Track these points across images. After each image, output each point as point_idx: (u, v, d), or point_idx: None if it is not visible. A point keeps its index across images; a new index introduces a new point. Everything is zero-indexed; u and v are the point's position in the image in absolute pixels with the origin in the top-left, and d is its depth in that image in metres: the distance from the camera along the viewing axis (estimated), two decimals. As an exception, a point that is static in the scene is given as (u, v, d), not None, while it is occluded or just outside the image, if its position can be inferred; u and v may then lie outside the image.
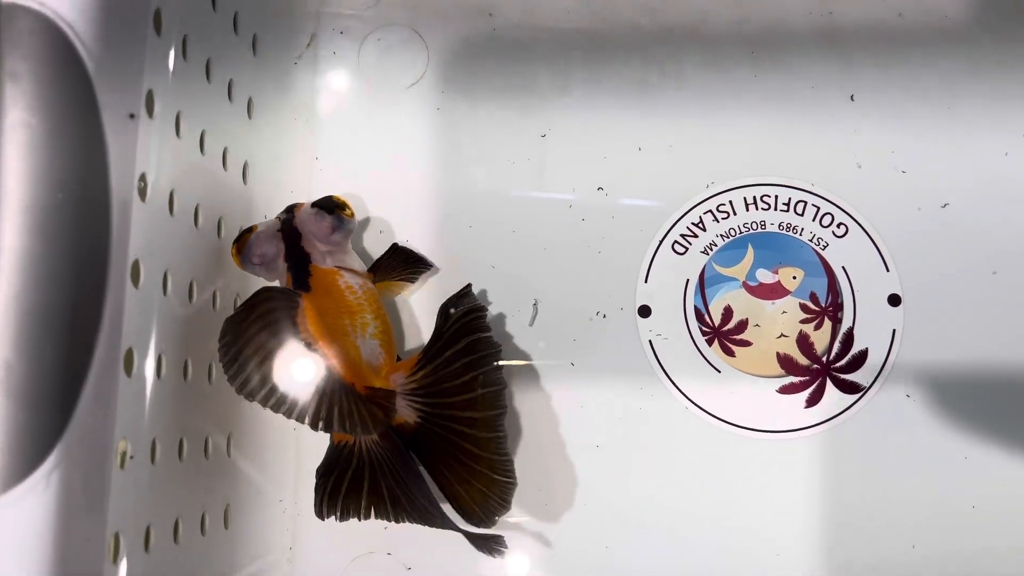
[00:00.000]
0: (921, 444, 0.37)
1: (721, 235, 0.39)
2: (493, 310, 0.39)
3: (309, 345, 0.32)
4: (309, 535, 0.38)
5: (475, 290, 0.38)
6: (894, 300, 0.38)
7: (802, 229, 0.38)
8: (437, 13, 0.41)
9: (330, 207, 0.35)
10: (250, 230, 0.35)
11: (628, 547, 0.37)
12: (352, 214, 0.36)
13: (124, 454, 0.28)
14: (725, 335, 0.38)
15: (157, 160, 0.29)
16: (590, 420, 0.38)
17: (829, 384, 0.37)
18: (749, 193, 0.39)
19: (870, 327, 0.38)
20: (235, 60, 0.36)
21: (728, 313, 0.38)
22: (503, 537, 0.34)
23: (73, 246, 0.25)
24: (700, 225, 0.39)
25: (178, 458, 0.32)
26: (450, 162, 0.40)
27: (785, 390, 0.38)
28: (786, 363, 0.38)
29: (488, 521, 0.34)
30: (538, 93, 0.40)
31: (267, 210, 0.38)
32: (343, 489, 0.33)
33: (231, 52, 0.36)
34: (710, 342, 0.38)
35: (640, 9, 0.40)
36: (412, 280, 0.38)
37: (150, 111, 0.29)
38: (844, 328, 0.38)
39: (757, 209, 0.39)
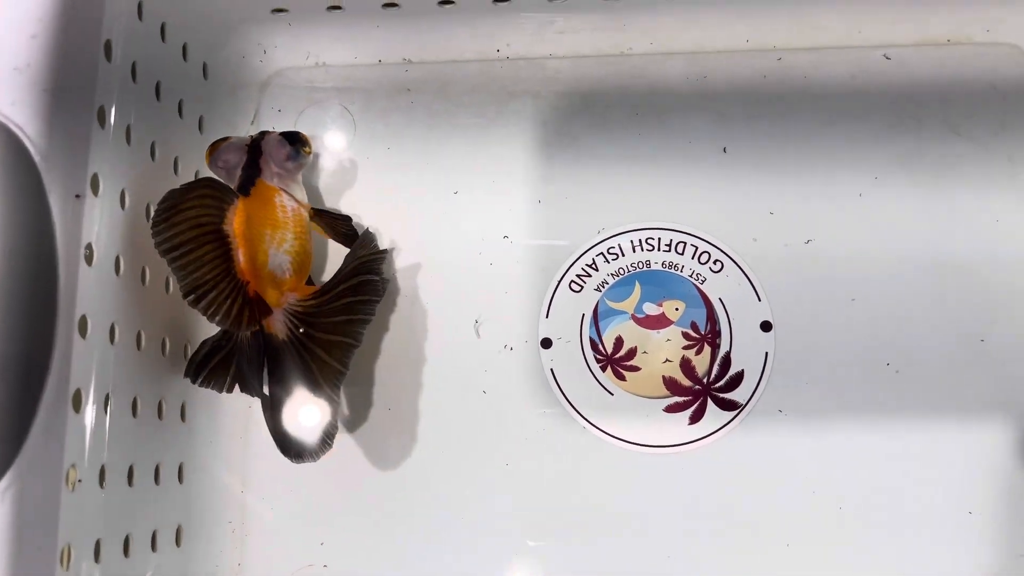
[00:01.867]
0: (793, 453, 0.41)
1: (612, 274, 0.44)
2: (415, 345, 0.44)
3: (227, 235, 0.38)
4: (256, 552, 0.43)
5: (401, 327, 0.44)
6: (766, 326, 0.43)
7: (683, 266, 0.43)
8: (362, 90, 0.47)
9: (293, 140, 0.41)
10: (224, 139, 0.41)
11: (533, 556, 0.42)
12: (310, 152, 0.42)
13: (73, 479, 0.33)
14: (617, 362, 0.43)
15: (101, 231, 0.35)
16: (500, 441, 0.42)
17: (710, 403, 0.42)
18: (635, 236, 0.44)
19: (745, 351, 0.42)
20: (181, 139, 0.42)
21: (619, 342, 0.43)
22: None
23: (24, 305, 0.30)
24: (593, 266, 0.44)
25: (128, 483, 0.37)
26: (377, 218, 0.45)
27: (671, 409, 0.42)
28: (671, 385, 0.42)
29: (294, 456, 0.38)
30: (451, 156, 0.46)
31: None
32: (211, 364, 0.39)
33: (177, 133, 0.42)
34: (604, 368, 0.43)
35: (537, 81, 0.46)
36: (339, 242, 0.44)
37: (95, 190, 0.34)
38: (722, 353, 0.43)
39: (643, 250, 0.44)
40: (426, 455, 0.43)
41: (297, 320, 0.39)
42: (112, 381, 0.35)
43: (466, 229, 0.45)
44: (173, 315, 0.41)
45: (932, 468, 0.40)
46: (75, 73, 0.33)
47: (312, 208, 0.42)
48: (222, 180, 0.41)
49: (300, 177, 0.43)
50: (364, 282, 0.40)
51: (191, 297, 0.37)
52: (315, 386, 0.38)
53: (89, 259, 0.34)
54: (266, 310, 0.39)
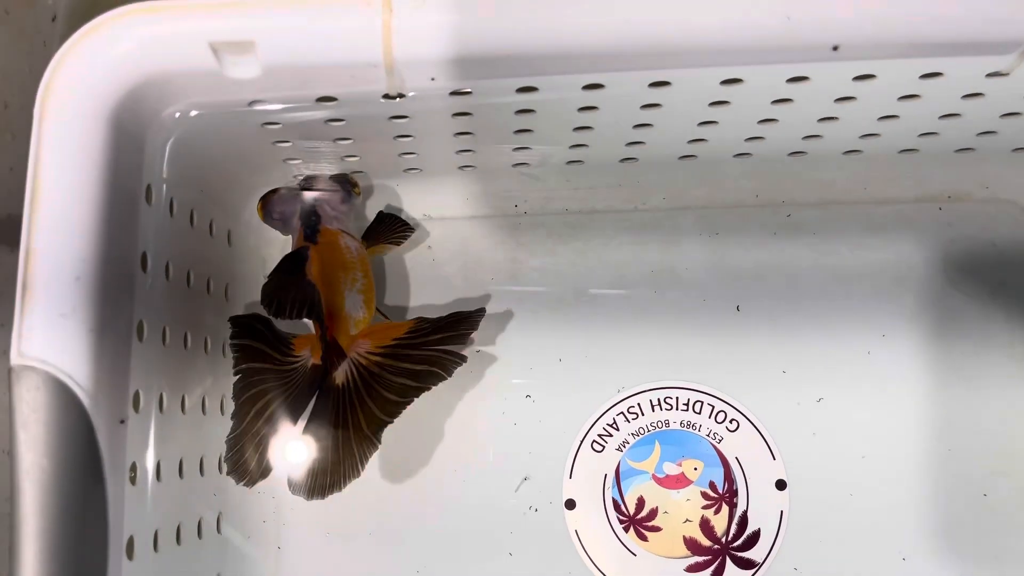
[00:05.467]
0: (809, 612, 0.43)
1: (632, 434, 0.45)
2: (444, 507, 0.45)
3: (312, 286, 0.39)
4: None
5: (430, 489, 0.45)
6: (780, 485, 0.44)
7: (700, 425, 0.45)
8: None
9: (344, 183, 0.43)
10: (275, 191, 0.43)
11: None
12: (359, 192, 0.44)
13: None
14: (639, 522, 0.44)
15: (145, 448, 0.35)
16: (527, 603, 0.44)
17: (729, 562, 0.44)
18: (654, 396, 0.45)
19: (761, 509, 0.44)
20: (211, 320, 0.43)
21: (641, 503, 0.44)
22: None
23: (74, 534, 0.31)
24: (614, 425, 0.45)
25: None
26: (398, 375, 0.46)
27: (691, 569, 0.44)
28: (691, 545, 0.44)
29: (305, 493, 0.38)
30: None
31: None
32: (248, 338, 0.41)
33: (207, 314, 0.42)
34: (626, 529, 0.44)
35: (554, 236, 0.47)
36: (398, 243, 0.45)
37: (136, 408, 0.35)
38: (739, 512, 0.44)
39: (661, 409, 0.45)
40: (455, 616, 0.44)
41: (355, 375, 0.39)
42: (156, 590, 0.36)
43: (488, 389, 0.46)
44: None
45: (943, 628, 0.42)
46: (115, 302, 0.33)
47: (364, 241, 0.44)
48: (278, 231, 0.44)
49: (352, 216, 0.44)
50: (430, 373, 0.39)
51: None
52: (345, 438, 0.38)
53: (133, 480, 0.35)
54: (340, 355, 0.39)
